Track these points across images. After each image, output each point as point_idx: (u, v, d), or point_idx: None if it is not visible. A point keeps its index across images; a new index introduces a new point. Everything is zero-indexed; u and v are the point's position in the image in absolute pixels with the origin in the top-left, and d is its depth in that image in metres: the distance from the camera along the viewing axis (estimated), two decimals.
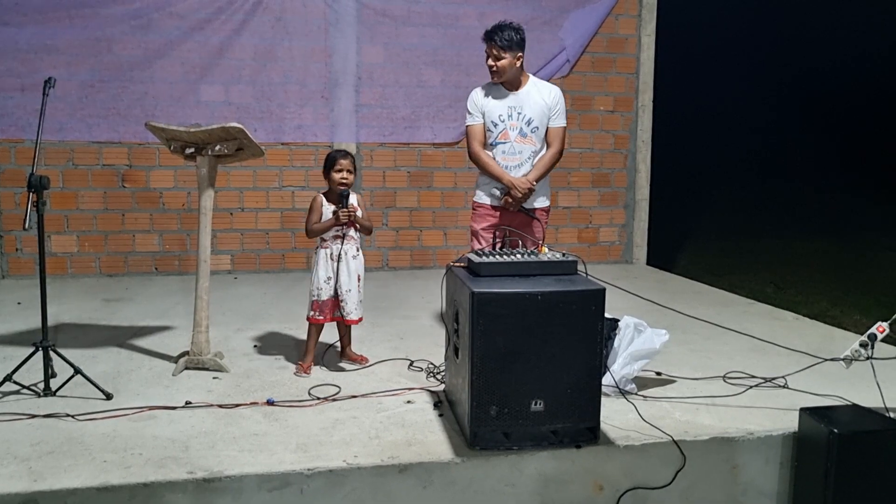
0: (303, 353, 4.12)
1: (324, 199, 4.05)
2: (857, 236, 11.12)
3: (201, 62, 6.64)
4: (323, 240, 4.06)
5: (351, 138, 6.98)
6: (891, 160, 15.28)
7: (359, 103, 6.99)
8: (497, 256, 3.24)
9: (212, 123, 3.98)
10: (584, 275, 3.22)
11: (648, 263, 7.83)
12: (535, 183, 4.34)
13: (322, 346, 4.24)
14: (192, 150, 4.01)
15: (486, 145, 4.43)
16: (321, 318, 4.04)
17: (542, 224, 4.51)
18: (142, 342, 4.58)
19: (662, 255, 8.15)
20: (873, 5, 15.59)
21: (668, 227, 9.56)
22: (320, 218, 4.03)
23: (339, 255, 4.00)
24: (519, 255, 3.27)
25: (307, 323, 4.10)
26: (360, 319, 4.13)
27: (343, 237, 4.03)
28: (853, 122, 16.73)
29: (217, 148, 3.96)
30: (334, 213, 3.97)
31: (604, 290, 3.05)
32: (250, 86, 6.76)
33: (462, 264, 3.32)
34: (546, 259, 3.22)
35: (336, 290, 4.01)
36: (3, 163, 6.51)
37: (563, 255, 3.26)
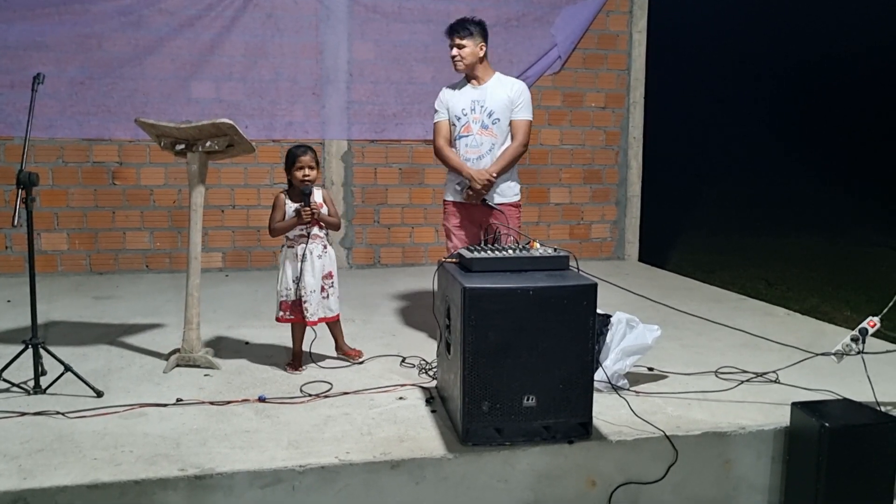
0: (291, 355, 4.10)
1: (286, 197, 3.96)
2: (848, 233, 11.17)
3: (192, 59, 6.61)
4: (288, 238, 3.97)
5: (342, 135, 6.96)
6: (882, 157, 15.35)
7: (350, 100, 6.98)
8: (488, 252, 3.24)
9: (202, 120, 3.95)
10: (576, 270, 3.22)
11: (640, 260, 7.85)
12: (494, 175, 4.30)
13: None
14: (183, 146, 3.99)
15: (452, 141, 4.44)
16: (291, 317, 3.98)
17: (516, 219, 4.46)
18: (132, 340, 4.56)
19: (654, 252, 8.17)
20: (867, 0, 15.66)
21: (660, 224, 9.58)
22: (283, 216, 3.94)
23: (304, 254, 3.89)
24: (510, 251, 3.26)
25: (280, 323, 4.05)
26: (334, 317, 4.06)
27: (308, 236, 3.93)
28: (845, 120, 16.79)
29: (207, 144, 3.94)
30: (296, 211, 3.88)
31: (595, 285, 3.05)
32: (241, 83, 6.74)
33: (453, 260, 3.32)
34: (538, 254, 3.22)
35: (298, 291, 3.92)
36: None
37: (555, 250, 3.26)
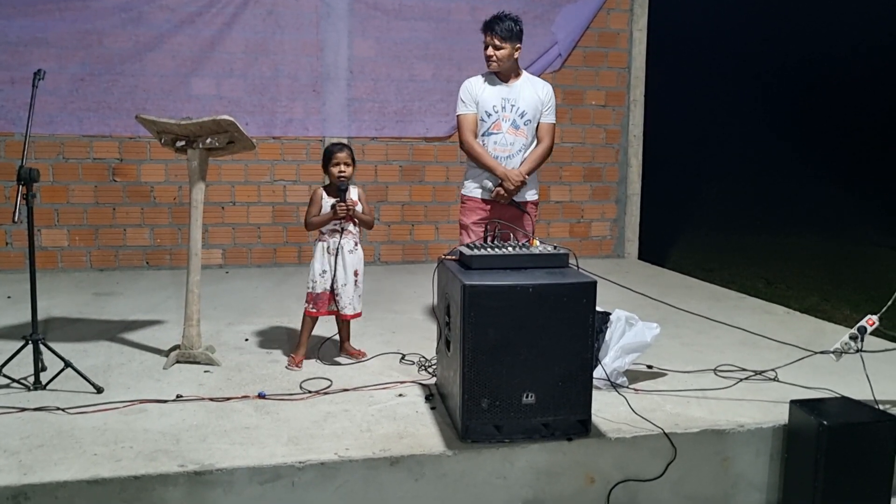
0: (295, 345, 4.11)
1: (324, 193, 4.03)
2: (848, 232, 11.17)
3: (192, 55, 6.62)
4: (321, 233, 4.04)
5: (343, 132, 6.96)
6: (883, 156, 15.34)
7: (350, 97, 6.98)
8: (488, 249, 3.24)
9: (203, 117, 3.96)
10: (576, 268, 3.22)
11: (640, 258, 7.86)
12: (527, 176, 4.35)
13: (316, 339, 4.23)
14: (183, 143, 4.00)
15: (477, 136, 4.43)
16: (314, 310, 4.03)
17: (532, 217, 4.52)
18: (132, 336, 4.56)
19: (654, 250, 8.17)
20: None
21: (660, 222, 9.58)
22: (319, 211, 4.01)
23: (337, 249, 3.98)
24: (510, 248, 3.27)
25: (303, 315, 4.08)
26: (359, 314, 4.12)
27: (341, 231, 4.01)
28: (846, 118, 16.78)
29: (208, 141, 3.95)
30: (332, 206, 3.95)
31: (595, 282, 3.06)
32: (241, 79, 6.74)
33: (453, 257, 3.32)
34: (537, 252, 3.23)
35: (332, 284, 4.00)
36: None
37: (555, 247, 3.27)
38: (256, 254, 7.02)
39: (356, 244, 4.07)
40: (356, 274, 4.06)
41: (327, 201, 4.01)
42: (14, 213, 3.37)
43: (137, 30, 6.49)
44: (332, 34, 6.88)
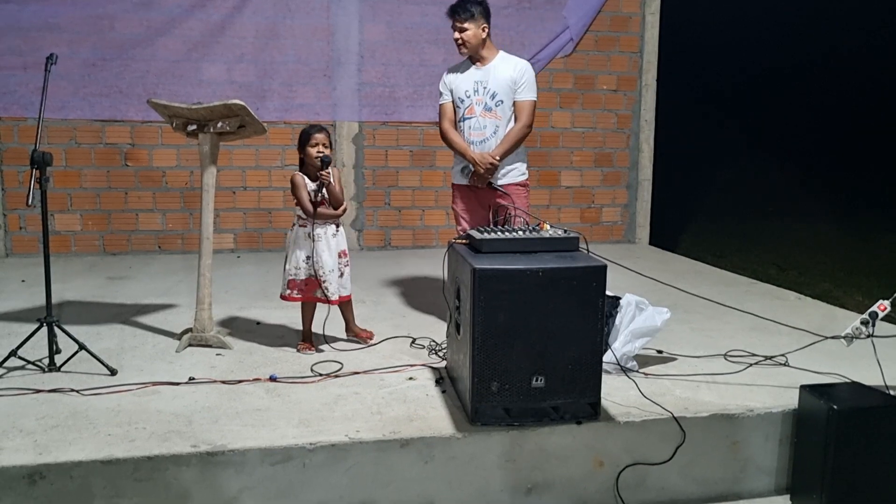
0: (302, 333, 4.13)
1: (305, 177, 3.98)
2: (861, 218, 11.09)
3: (203, 40, 6.62)
4: (301, 218, 3.99)
5: (353, 117, 6.96)
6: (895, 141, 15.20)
7: (361, 82, 6.97)
8: (499, 233, 3.24)
9: (214, 101, 3.96)
10: (586, 252, 3.22)
11: (651, 243, 7.83)
12: (497, 158, 4.24)
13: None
14: (194, 127, 4.01)
15: (456, 123, 4.42)
16: (298, 296, 4.00)
17: (524, 199, 4.42)
18: (145, 319, 4.60)
19: (665, 236, 8.14)
20: None
21: (671, 208, 9.54)
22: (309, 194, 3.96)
23: (315, 234, 3.91)
24: (520, 232, 3.27)
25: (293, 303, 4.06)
26: (349, 297, 4.11)
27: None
28: (860, 103, 16.63)
29: (219, 125, 3.96)
30: (315, 190, 3.91)
31: (605, 266, 3.06)
32: (252, 64, 6.74)
33: (464, 241, 3.32)
34: (548, 236, 3.23)
35: (315, 270, 3.94)
36: (7, 141, 6.52)
37: (565, 231, 3.27)
38: (268, 238, 7.05)
39: (338, 227, 4.03)
40: (344, 254, 4.03)
41: (311, 184, 3.95)
42: (28, 196, 3.41)
43: (149, 14, 6.50)
44: (342, 18, 6.86)
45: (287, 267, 4.01)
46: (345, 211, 4.06)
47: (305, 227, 3.97)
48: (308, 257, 3.95)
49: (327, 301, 3.99)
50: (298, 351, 4.00)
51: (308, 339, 4.08)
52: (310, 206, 3.91)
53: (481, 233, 3.25)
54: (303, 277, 3.98)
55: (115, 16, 6.45)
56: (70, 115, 6.51)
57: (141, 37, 6.50)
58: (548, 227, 3.32)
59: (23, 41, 6.29)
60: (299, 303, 4.07)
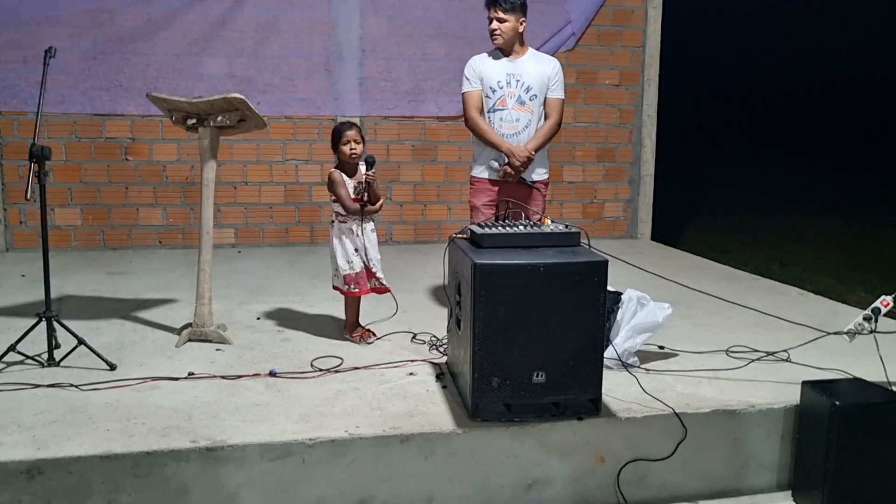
0: (348, 325, 4.15)
1: (343, 174, 4.02)
2: (864, 214, 11.06)
3: (203, 34, 6.59)
4: (341, 214, 4.03)
5: (354, 111, 6.94)
6: None
7: (362, 76, 6.94)
8: (499, 228, 3.23)
9: (214, 95, 3.95)
10: (587, 247, 3.20)
11: (653, 239, 7.81)
12: (533, 152, 4.29)
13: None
14: (194, 121, 3.99)
15: (483, 113, 4.39)
16: (357, 290, 4.06)
17: (542, 196, 4.47)
18: (145, 314, 4.59)
19: (667, 231, 8.12)
20: None
21: (674, 203, 9.52)
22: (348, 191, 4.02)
23: (362, 230, 4.01)
24: (521, 227, 3.25)
25: (343, 297, 4.12)
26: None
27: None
28: (862, 98, 16.59)
29: (219, 119, 3.94)
30: (359, 184, 3.97)
31: (606, 261, 3.04)
32: (253, 58, 6.72)
33: (464, 236, 3.31)
34: (549, 231, 3.21)
35: (367, 262, 4.04)
36: (6, 136, 6.50)
37: (567, 226, 3.25)
38: (269, 233, 7.03)
39: (372, 219, 4.12)
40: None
41: (349, 181, 4.00)
42: (26, 190, 3.39)
43: (149, 8, 6.47)
44: (343, 12, 6.84)
45: (339, 263, 4.04)
46: (382, 205, 4.13)
47: (345, 222, 4.02)
48: (356, 250, 4.02)
49: (382, 289, 4.10)
50: (358, 342, 4.05)
51: (358, 326, 4.14)
52: (353, 205, 3.97)
53: (482, 227, 3.24)
54: (357, 270, 4.04)
55: (115, 9, 6.43)
56: (70, 108, 6.49)
57: (141, 30, 6.48)
58: (549, 221, 3.31)
59: (22, 35, 6.26)
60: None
